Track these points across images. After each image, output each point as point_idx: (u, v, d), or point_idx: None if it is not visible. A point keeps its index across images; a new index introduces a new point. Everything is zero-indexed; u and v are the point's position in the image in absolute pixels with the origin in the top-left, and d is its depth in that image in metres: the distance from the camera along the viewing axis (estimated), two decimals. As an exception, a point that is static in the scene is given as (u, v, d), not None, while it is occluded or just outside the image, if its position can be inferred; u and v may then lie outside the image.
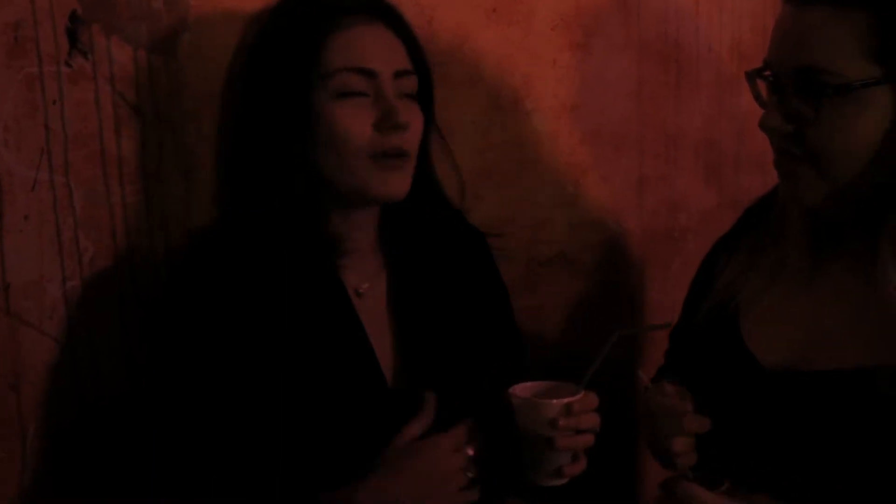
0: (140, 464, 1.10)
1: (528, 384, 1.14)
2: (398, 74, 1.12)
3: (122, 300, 1.23)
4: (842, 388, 1.04)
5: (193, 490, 1.06)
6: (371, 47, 1.11)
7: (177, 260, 1.19)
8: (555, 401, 1.09)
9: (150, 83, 1.21)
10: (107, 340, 1.22)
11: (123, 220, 1.22)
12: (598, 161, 1.61)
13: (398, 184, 1.12)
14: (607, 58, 1.58)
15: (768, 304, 1.15)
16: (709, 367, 1.17)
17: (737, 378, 1.13)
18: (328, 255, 1.14)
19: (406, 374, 1.18)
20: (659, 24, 1.63)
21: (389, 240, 1.22)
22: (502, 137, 1.51)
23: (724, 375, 1.15)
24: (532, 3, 1.48)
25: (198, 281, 1.12)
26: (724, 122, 1.76)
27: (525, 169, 1.54)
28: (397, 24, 1.15)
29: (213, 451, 1.07)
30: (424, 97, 1.18)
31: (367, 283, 1.19)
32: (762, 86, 1.12)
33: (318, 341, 1.12)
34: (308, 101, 1.09)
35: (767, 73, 1.10)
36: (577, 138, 1.58)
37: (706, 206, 1.76)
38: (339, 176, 1.11)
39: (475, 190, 1.49)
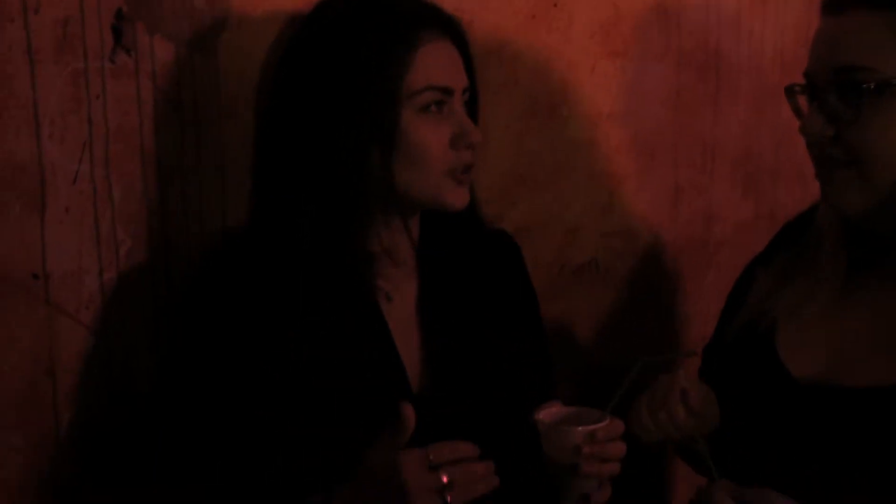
0: (160, 462, 1.12)
1: (555, 409, 1.14)
2: (464, 91, 1.16)
3: (155, 294, 1.24)
4: (876, 405, 1.03)
5: (212, 494, 1.07)
6: (448, 65, 1.14)
7: (208, 260, 1.19)
8: (580, 427, 1.09)
9: (191, 80, 1.23)
10: (140, 333, 1.24)
11: (160, 214, 1.23)
12: (634, 170, 1.61)
13: (465, 196, 1.16)
14: (646, 66, 1.58)
15: (804, 320, 1.14)
16: (742, 382, 1.16)
17: (770, 392, 1.12)
18: (366, 263, 1.16)
19: (432, 381, 1.18)
20: (699, 34, 1.63)
21: (423, 246, 1.23)
22: (538, 143, 1.51)
23: (757, 390, 1.14)
24: (571, 10, 1.48)
25: (228, 282, 1.13)
26: (764, 133, 1.75)
27: (560, 175, 1.54)
28: (462, 40, 1.17)
29: (235, 454, 1.08)
30: (471, 107, 1.20)
31: (397, 287, 1.20)
32: (802, 100, 1.11)
33: (344, 344, 1.13)
34: (394, 117, 1.10)
35: (807, 85, 1.09)
36: (613, 146, 1.58)
37: (742, 219, 1.75)
38: (414, 188, 1.13)
39: (509, 195, 1.49)
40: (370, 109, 1.09)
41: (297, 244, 1.12)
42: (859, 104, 1.03)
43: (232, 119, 1.25)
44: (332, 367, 1.12)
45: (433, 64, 1.12)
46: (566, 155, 1.54)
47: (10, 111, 1.13)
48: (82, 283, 1.20)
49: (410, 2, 1.14)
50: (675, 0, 1.59)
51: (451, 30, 1.16)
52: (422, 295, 1.22)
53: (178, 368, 1.14)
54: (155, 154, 1.22)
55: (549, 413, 1.13)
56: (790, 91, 1.12)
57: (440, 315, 1.21)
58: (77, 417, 1.22)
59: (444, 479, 0.97)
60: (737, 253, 1.68)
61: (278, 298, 1.11)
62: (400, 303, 1.20)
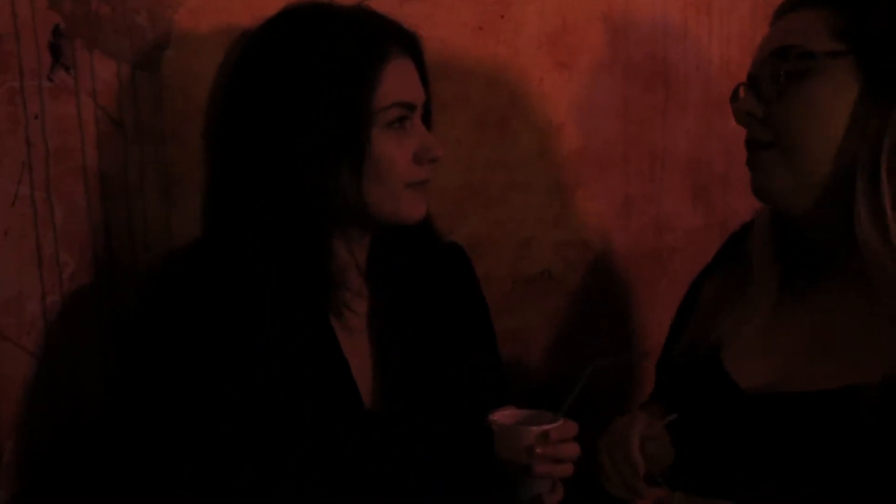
0: (113, 483, 1.09)
1: (509, 411, 1.14)
2: (423, 105, 1.17)
3: (101, 316, 1.22)
4: (824, 408, 1.04)
5: None
6: (410, 80, 1.15)
7: (159, 278, 1.16)
8: (533, 427, 1.10)
9: (133, 98, 1.20)
10: (86, 356, 1.21)
11: (104, 235, 1.21)
12: (585, 180, 1.61)
13: (423, 208, 1.17)
14: (594, 77, 1.58)
15: (747, 332, 1.15)
16: (691, 397, 1.17)
17: (719, 405, 1.13)
18: (319, 280, 1.14)
19: (385, 396, 1.17)
20: (647, 45, 1.64)
21: (375, 261, 1.22)
22: (489, 156, 1.51)
23: (706, 403, 1.14)
24: (518, 21, 1.48)
25: (181, 299, 1.11)
26: (713, 142, 1.76)
27: (511, 188, 1.54)
28: (419, 56, 1.18)
29: (187, 475, 1.06)
30: (425, 121, 1.20)
31: (348, 303, 1.18)
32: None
33: (296, 360, 1.12)
34: (365, 134, 1.10)
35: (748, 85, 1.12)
36: (563, 157, 1.58)
37: (693, 227, 1.76)
38: (378, 202, 1.13)
39: (461, 208, 1.49)
40: (340, 126, 1.09)
41: (252, 261, 1.10)
42: (786, 81, 1.06)
43: (176, 138, 1.23)
44: (285, 383, 1.10)
45: (398, 80, 1.12)
46: (518, 168, 1.54)
47: (-56, 132, 1.10)
48: (24, 307, 1.17)
49: (375, 17, 1.15)
50: (622, 11, 1.60)
51: (412, 46, 1.16)
52: (373, 309, 1.21)
53: (132, 385, 1.12)
54: (98, 174, 1.20)
55: (503, 415, 1.14)
56: (735, 95, 1.15)
57: (392, 329, 1.20)
58: (21, 445, 1.19)
59: None
60: (689, 261, 1.70)
61: (231, 315, 1.10)
62: (352, 318, 1.19)
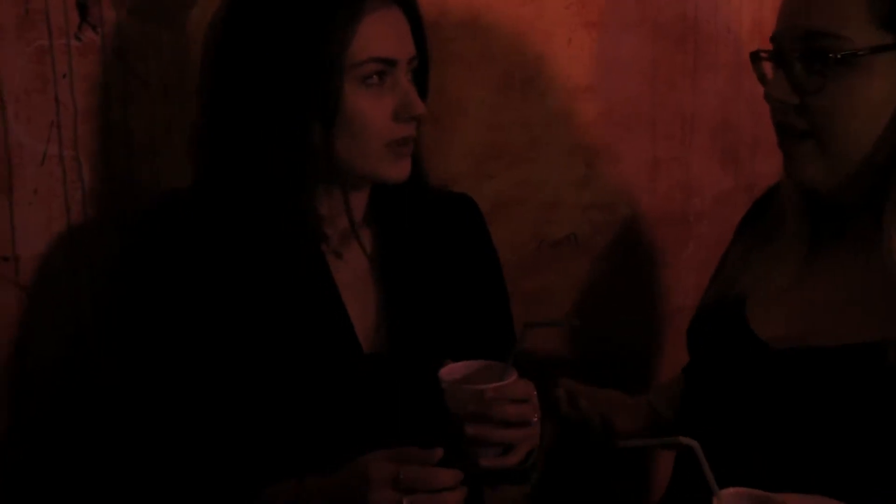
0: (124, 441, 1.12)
1: (465, 363, 1.08)
2: (410, 60, 1.13)
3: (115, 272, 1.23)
4: (848, 363, 1.03)
5: (163, 468, 1.07)
6: (392, 34, 1.10)
7: (150, 220, 1.14)
8: (466, 386, 1.04)
9: (159, 57, 1.21)
10: (111, 313, 1.22)
11: (131, 193, 1.22)
12: (612, 142, 1.60)
13: (406, 168, 1.14)
14: (622, 37, 1.57)
15: (771, 289, 1.14)
16: (712, 349, 1.17)
17: (743, 360, 1.12)
18: (311, 222, 1.13)
19: (385, 340, 1.17)
20: (676, 4, 1.61)
21: (376, 211, 1.21)
22: (514, 117, 1.50)
23: (730, 358, 1.14)
24: (546, -20, 1.47)
25: (166, 241, 1.11)
26: (742, 104, 1.74)
27: (536, 149, 1.53)
28: (410, 7, 1.14)
29: (182, 423, 1.08)
30: (421, 78, 1.17)
31: (347, 245, 1.18)
32: (767, 67, 1.10)
33: (292, 303, 1.11)
34: (335, 89, 1.08)
35: (773, 50, 1.08)
36: (590, 119, 1.57)
37: (721, 190, 1.74)
38: (353, 160, 1.11)
39: (485, 169, 1.48)
40: (310, 81, 1.07)
41: (242, 206, 1.10)
42: (825, 74, 1.02)
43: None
44: (281, 326, 1.10)
45: (376, 34, 1.08)
46: (542, 128, 1.53)
47: (-26, 91, 1.11)
48: (53, 264, 1.19)
49: None
50: (652, -30, 1.57)
51: None
52: (375, 253, 1.20)
53: (126, 329, 1.12)
54: (125, 132, 1.21)
55: (454, 368, 1.07)
56: (756, 57, 1.11)
57: (394, 273, 1.19)
58: (49, 399, 1.21)
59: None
60: (716, 225, 1.68)
61: (224, 259, 1.10)
62: (352, 261, 1.18)
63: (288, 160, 1.09)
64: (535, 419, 1.07)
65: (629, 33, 1.57)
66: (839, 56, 1.01)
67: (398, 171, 1.13)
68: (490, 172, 1.48)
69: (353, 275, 1.17)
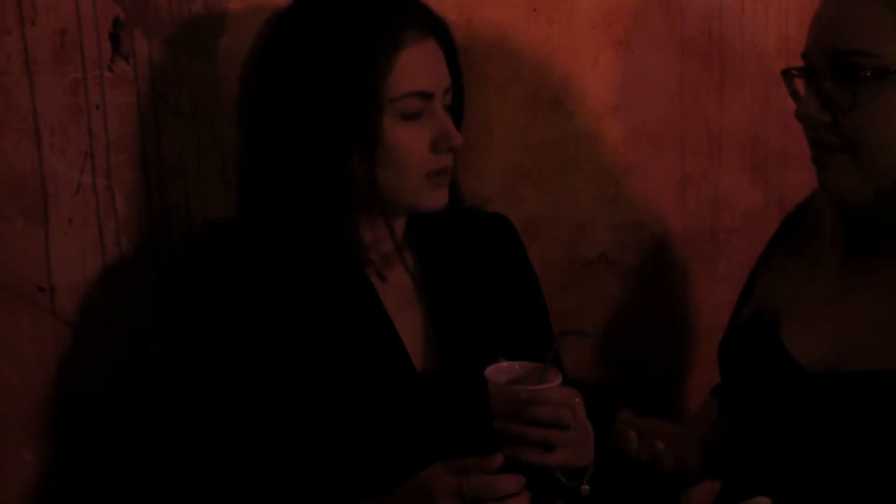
0: (165, 461, 1.11)
1: (517, 364, 1.08)
2: (446, 91, 1.14)
3: (162, 301, 1.24)
4: (885, 388, 1.02)
5: (215, 484, 1.07)
6: (429, 67, 1.12)
7: (199, 250, 1.16)
8: (503, 386, 1.04)
9: (190, 86, 1.22)
10: (147, 341, 1.23)
11: (164, 221, 1.23)
12: (640, 160, 1.60)
13: (444, 196, 1.15)
14: (649, 56, 1.56)
15: (807, 307, 1.13)
16: (749, 372, 1.15)
17: (778, 382, 1.11)
18: (355, 247, 1.15)
19: (436, 359, 1.18)
20: (702, 21, 1.61)
21: (415, 233, 1.22)
22: (542, 137, 1.50)
23: (765, 380, 1.13)
24: (572, 1, 1.47)
25: (216, 269, 1.12)
26: (770, 119, 1.73)
27: (566, 168, 1.53)
28: (445, 38, 1.15)
29: (237, 444, 1.08)
30: (456, 107, 1.18)
31: (391, 267, 1.19)
32: (799, 84, 1.10)
33: (341, 327, 1.12)
34: (375, 123, 1.09)
35: (804, 67, 1.08)
36: (618, 137, 1.57)
37: (751, 206, 1.73)
38: (393, 191, 1.12)
39: (515, 190, 1.48)
40: (350, 114, 1.08)
41: (287, 235, 1.11)
42: (856, 91, 1.02)
43: (232, 122, 1.24)
44: (334, 351, 1.11)
45: (415, 67, 1.10)
46: (572, 148, 1.53)
47: (10, 123, 1.13)
48: (88, 293, 1.19)
49: (395, 3, 1.11)
50: (676, -13, 1.57)
51: (436, 28, 1.13)
52: (420, 276, 1.21)
53: (176, 357, 1.13)
54: (157, 161, 1.22)
55: (500, 368, 1.07)
56: (787, 74, 1.11)
57: (439, 292, 1.20)
58: (87, 429, 1.21)
59: None
60: (747, 241, 1.67)
61: (273, 287, 1.11)
62: (396, 283, 1.19)
63: (330, 191, 1.10)
64: (573, 423, 1.06)
65: (656, 52, 1.57)
66: (870, 73, 1.00)
67: (437, 200, 1.14)
68: (520, 193, 1.48)
69: (399, 297, 1.18)
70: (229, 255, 1.12)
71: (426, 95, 1.11)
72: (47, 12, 1.12)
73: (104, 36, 1.16)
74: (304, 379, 1.10)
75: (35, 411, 1.18)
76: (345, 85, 1.08)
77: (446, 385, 1.13)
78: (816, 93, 1.06)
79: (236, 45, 1.22)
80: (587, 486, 1.11)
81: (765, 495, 1.00)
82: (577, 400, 1.07)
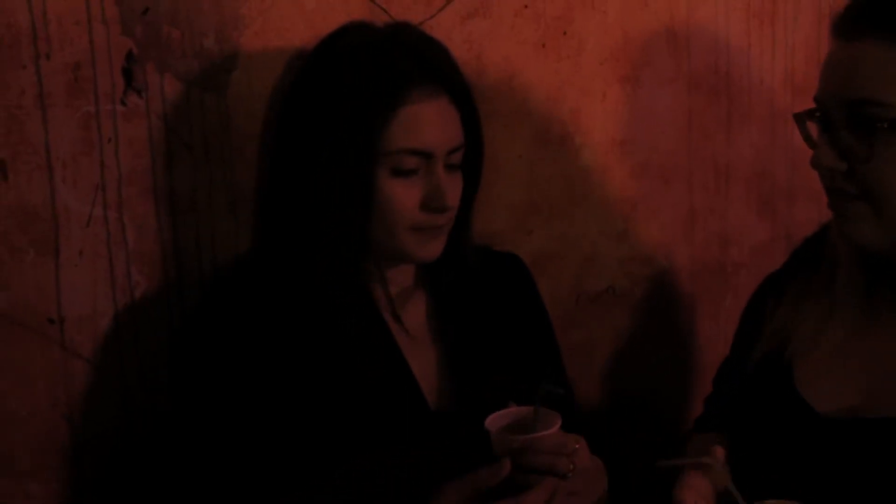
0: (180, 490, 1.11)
1: (518, 409, 1.08)
2: (451, 151, 1.13)
3: (171, 334, 1.24)
4: None
5: None
6: (433, 126, 1.10)
7: (220, 284, 1.18)
8: (499, 435, 1.04)
9: (202, 120, 1.23)
10: (158, 373, 1.23)
11: (174, 254, 1.23)
12: (648, 195, 1.60)
13: (435, 249, 1.15)
14: (656, 91, 1.57)
15: (822, 350, 1.10)
16: (761, 417, 1.13)
17: (792, 428, 1.09)
18: (367, 296, 1.16)
19: (450, 397, 1.18)
20: (709, 57, 1.62)
21: (429, 276, 1.23)
22: (551, 172, 1.50)
23: (778, 425, 1.11)
24: (581, 37, 1.48)
25: (237, 307, 1.13)
26: (777, 154, 1.73)
27: (574, 203, 1.53)
28: (462, 97, 1.14)
29: (251, 484, 1.08)
30: (473, 163, 1.18)
31: (404, 306, 1.20)
32: (812, 127, 1.09)
33: (356, 365, 1.13)
34: (367, 175, 1.09)
35: (817, 113, 1.07)
36: (626, 172, 1.57)
37: (759, 240, 1.73)
38: (382, 240, 1.13)
39: (523, 224, 1.48)
40: (345, 164, 1.09)
41: (302, 277, 1.12)
42: (872, 141, 1.00)
43: (242, 157, 1.25)
44: (348, 390, 1.12)
45: (416, 125, 1.09)
46: (580, 183, 1.53)
47: (23, 156, 1.14)
48: (98, 326, 1.20)
49: (407, 57, 1.10)
50: (684, 24, 1.58)
51: (452, 86, 1.13)
52: (431, 312, 1.22)
53: (190, 392, 1.13)
54: (167, 194, 1.22)
55: (500, 416, 1.07)
56: (800, 118, 1.09)
57: (452, 332, 1.21)
58: (97, 460, 1.21)
59: None
60: (754, 275, 1.66)
61: (288, 328, 1.12)
62: (409, 323, 1.20)
63: (338, 235, 1.11)
64: (570, 471, 1.04)
65: (663, 87, 1.58)
66: (886, 125, 0.99)
67: (427, 252, 1.15)
68: (529, 228, 1.48)
69: (413, 337, 1.19)
70: (246, 301, 1.13)
71: (424, 154, 1.10)
72: (62, 46, 1.13)
73: (117, 70, 1.17)
74: (320, 420, 1.10)
75: (43, 443, 1.18)
76: (342, 135, 1.08)
77: (461, 424, 1.13)
78: (831, 142, 1.04)
79: (248, 80, 1.24)
80: None
81: None
82: (577, 446, 1.05)
